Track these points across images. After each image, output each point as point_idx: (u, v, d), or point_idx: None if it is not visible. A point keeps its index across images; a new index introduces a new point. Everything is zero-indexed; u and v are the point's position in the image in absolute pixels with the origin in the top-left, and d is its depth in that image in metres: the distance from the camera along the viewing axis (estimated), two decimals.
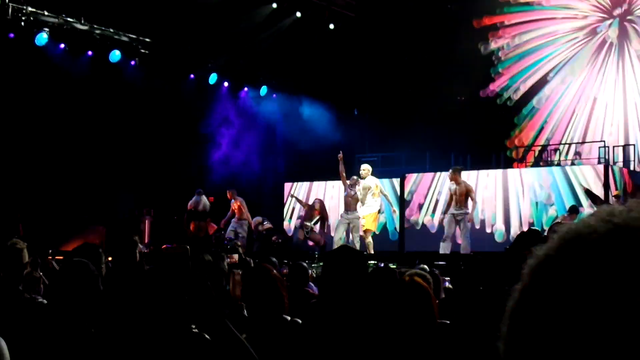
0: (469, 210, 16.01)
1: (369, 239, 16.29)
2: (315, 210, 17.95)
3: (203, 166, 21.23)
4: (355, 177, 16.46)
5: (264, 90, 23.11)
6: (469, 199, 16.09)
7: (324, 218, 18.00)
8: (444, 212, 16.72)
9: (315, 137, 21.26)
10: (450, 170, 16.59)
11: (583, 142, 21.33)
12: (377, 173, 18.88)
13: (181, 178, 20.04)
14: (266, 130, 22.80)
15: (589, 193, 16.23)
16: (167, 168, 19.86)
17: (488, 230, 18.00)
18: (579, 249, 0.83)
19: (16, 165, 17.30)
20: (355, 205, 16.20)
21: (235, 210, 18.56)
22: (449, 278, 8.80)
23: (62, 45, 18.48)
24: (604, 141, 19.94)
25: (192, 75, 21.34)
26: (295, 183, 20.78)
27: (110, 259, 6.61)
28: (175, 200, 19.64)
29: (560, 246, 0.85)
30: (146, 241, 18.37)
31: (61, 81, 17.99)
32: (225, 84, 22.08)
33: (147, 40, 19.87)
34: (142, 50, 19.82)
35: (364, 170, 16.52)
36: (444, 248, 16.01)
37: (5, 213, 16.35)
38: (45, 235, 15.69)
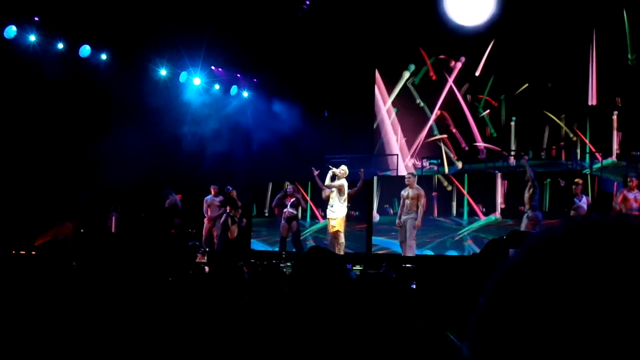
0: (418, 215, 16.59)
1: (342, 240, 16.36)
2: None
3: (172, 163, 21.12)
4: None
5: (234, 89, 23.13)
6: (419, 203, 16.46)
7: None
8: (399, 217, 16.99)
9: (285, 137, 21.28)
10: (410, 174, 17.09)
11: None
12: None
13: (149, 175, 19.95)
14: (235, 129, 22.72)
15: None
16: (134, 164, 19.77)
17: None
18: (543, 254, 0.85)
19: None
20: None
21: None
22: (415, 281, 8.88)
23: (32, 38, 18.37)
24: None
25: (162, 72, 21.27)
26: (270, 183, 20.79)
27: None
28: (142, 197, 19.57)
29: (527, 254, 0.87)
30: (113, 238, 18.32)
31: (27, 76, 17.85)
32: (197, 81, 22.00)
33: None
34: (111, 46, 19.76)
35: (341, 171, 16.54)
36: (403, 251, 16.46)
37: None
38: (14, 230, 15.60)
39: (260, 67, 22.96)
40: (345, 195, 16.45)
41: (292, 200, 17.47)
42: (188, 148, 21.18)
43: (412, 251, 16.52)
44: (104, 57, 19.79)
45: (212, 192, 18.88)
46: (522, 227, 15.73)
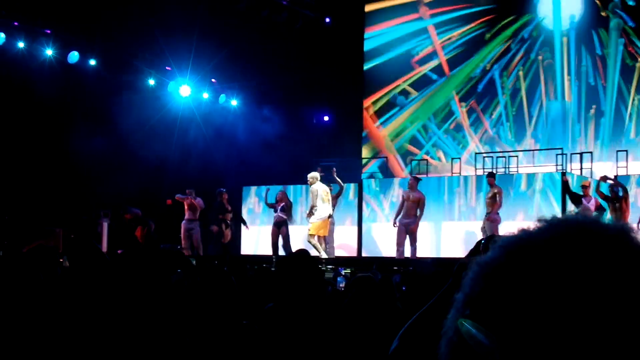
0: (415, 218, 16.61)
1: (315, 242, 16.28)
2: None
3: (162, 170, 21.12)
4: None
5: (222, 98, 23.21)
6: (419, 207, 16.50)
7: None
8: (395, 217, 16.97)
9: (274, 143, 21.33)
10: (413, 177, 17.02)
11: None
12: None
13: (138, 180, 19.95)
14: (224, 134, 22.74)
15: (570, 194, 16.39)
16: (124, 170, 19.76)
17: None
18: (520, 253, 0.86)
19: None
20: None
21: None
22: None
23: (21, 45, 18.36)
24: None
25: (151, 81, 21.32)
26: (253, 187, 20.86)
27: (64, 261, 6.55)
28: (133, 203, 19.53)
29: (503, 252, 0.88)
30: (104, 243, 18.35)
31: (15, 83, 17.84)
32: (186, 89, 22.05)
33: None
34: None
35: (309, 178, 16.60)
36: (398, 254, 16.38)
37: None
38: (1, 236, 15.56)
39: (248, 75, 22.98)
40: (322, 199, 16.43)
41: (281, 204, 17.48)
42: (177, 155, 21.20)
43: (414, 255, 16.44)
44: (92, 62, 19.77)
45: (188, 192, 18.80)
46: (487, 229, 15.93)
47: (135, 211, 18.61)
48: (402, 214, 16.70)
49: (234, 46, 21.44)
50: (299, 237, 17.43)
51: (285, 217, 17.40)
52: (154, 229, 18.81)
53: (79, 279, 5.69)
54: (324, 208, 16.28)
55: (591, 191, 16.13)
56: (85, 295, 4.23)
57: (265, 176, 20.82)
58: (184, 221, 18.58)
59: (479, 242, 2.40)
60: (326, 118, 24.86)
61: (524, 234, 0.89)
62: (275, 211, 17.63)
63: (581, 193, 15.95)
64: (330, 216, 16.67)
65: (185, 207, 18.64)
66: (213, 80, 22.98)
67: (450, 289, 2.12)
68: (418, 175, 17.96)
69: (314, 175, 16.55)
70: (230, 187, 20.13)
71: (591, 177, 18.52)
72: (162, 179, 20.90)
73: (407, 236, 16.60)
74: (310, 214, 16.30)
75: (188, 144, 21.74)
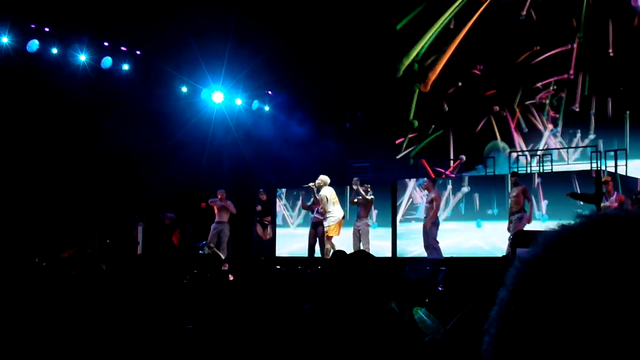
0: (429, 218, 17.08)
1: (328, 246, 16.67)
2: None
3: (195, 174, 21.25)
4: (367, 185, 17.54)
5: (255, 104, 23.32)
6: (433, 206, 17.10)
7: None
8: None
9: (308, 147, 21.36)
10: (426, 179, 17.32)
11: None
12: (368, 179, 19.12)
13: (173, 185, 20.10)
14: (257, 139, 22.81)
15: (575, 196, 16.26)
16: (158, 174, 19.93)
17: None
18: (562, 248, 0.87)
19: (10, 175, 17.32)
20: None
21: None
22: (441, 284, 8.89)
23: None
24: None
25: (184, 89, 21.53)
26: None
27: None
28: (168, 207, 19.68)
29: (544, 248, 0.89)
30: (139, 247, 18.53)
31: (51, 90, 18.02)
32: (219, 96, 22.20)
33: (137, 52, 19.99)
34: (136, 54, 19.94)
35: (318, 182, 16.84)
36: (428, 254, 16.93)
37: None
38: (38, 242, 15.72)
39: (281, 82, 23.06)
40: (332, 203, 16.57)
41: (318, 206, 17.52)
42: (211, 159, 21.34)
43: (437, 254, 16.64)
44: (125, 67, 19.92)
45: (219, 196, 18.94)
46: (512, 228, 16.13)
47: (170, 216, 18.79)
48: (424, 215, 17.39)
49: (267, 53, 21.55)
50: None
51: (321, 218, 17.44)
52: (190, 233, 19.00)
53: (117, 283, 5.76)
54: (336, 210, 16.67)
55: (613, 187, 15.96)
56: (123, 299, 4.28)
57: (300, 178, 20.86)
58: (213, 223, 18.78)
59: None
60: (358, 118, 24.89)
61: (564, 229, 0.89)
62: (312, 213, 17.68)
63: (603, 190, 15.84)
64: (343, 217, 16.91)
65: (216, 210, 18.84)
66: (269, 92, 23.26)
67: (492, 287, 2.13)
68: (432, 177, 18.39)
69: (324, 179, 16.67)
70: (266, 190, 20.23)
71: (626, 174, 18.39)
72: (195, 183, 21.02)
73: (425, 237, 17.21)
74: (325, 219, 16.71)
75: (221, 149, 21.84)
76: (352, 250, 17.04)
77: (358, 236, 17.27)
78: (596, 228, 0.87)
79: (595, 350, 0.79)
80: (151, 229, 19.06)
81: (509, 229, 16.29)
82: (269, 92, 23.31)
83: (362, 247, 16.79)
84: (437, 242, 17.12)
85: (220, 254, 17.45)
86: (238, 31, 20.59)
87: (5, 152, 17.32)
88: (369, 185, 17.55)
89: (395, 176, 20.53)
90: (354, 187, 17.55)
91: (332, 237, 16.63)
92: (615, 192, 15.79)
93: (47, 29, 18.31)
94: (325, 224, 16.68)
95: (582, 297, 0.82)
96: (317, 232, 17.43)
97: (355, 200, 17.41)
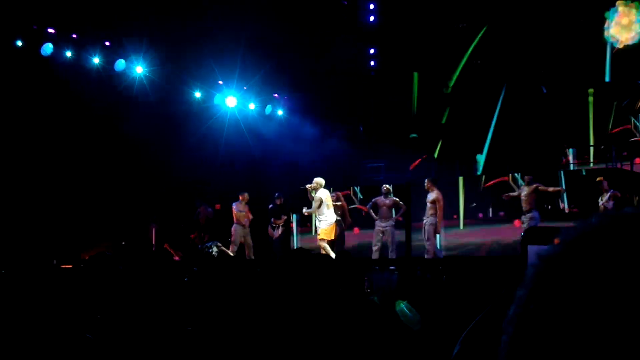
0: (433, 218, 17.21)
1: (322, 250, 16.57)
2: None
3: (210, 176, 21.29)
4: (387, 186, 17.92)
5: (268, 108, 23.40)
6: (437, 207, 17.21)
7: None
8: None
9: (322, 149, 21.34)
10: (427, 179, 17.59)
11: None
12: (383, 179, 19.14)
13: (185, 186, 20.21)
14: (271, 142, 22.81)
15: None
16: (171, 176, 20.01)
17: None
18: (583, 245, 0.87)
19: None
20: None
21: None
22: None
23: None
24: None
25: (197, 94, 21.67)
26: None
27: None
28: (180, 208, 19.79)
29: (564, 245, 0.89)
30: (153, 249, 18.63)
31: (66, 94, 18.09)
32: (233, 100, 22.30)
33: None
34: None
35: (313, 183, 16.73)
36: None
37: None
38: (52, 245, 15.84)
39: (293, 87, 23.09)
40: (327, 206, 16.58)
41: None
42: (224, 162, 21.39)
43: (430, 254, 17.07)
44: (139, 69, 19.98)
45: (241, 199, 18.83)
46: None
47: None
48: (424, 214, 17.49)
49: (280, 58, 21.59)
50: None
51: (337, 218, 17.49)
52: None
53: (132, 283, 5.82)
54: (329, 214, 16.56)
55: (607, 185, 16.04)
56: (138, 298, 4.35)
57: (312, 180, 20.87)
58: (236, 225, 18.73)
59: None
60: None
61: (585, 226, 0.89)
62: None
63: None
64: (336, 221, 16.99)
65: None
66: (275, 95, 23.27)
67: (510, 289, 2.16)
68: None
69: (319, 181, 16.68)
70: (283, 190, 20.24)
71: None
72: (209, 185, 21.08)
73: (426, 236, 17.34)
74: (317, 221, 16.75)
75: (235, 152, 21.85)
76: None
77: (380, 237, 17.62)
78: (618, 225, 0.87)
79: (617, 349, 0.79)
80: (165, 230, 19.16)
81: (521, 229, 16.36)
82: (276, 95, 23.30)
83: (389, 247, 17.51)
84: (431, 243, 17.24)
85: (230, 253, 17.45)
86: (250, 38, 20.61)
87: (23, 156, 17.39)
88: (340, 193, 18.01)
89: (410, 176, 20.54)
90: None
91: (325, 239, 16.54)
92: (611, 190, 15.82)
93: (61, 32, 18.41)
94: (318, 226, 16.71)
95: (604, 295, 0.81)
96: (335, 231, 17.54)
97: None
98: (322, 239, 16.50)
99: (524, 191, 16.79)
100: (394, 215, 18.02)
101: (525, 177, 17.09)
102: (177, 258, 18.73)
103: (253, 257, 17.83)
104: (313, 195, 16.47)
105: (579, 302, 0.82)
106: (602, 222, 0.88)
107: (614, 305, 0.80)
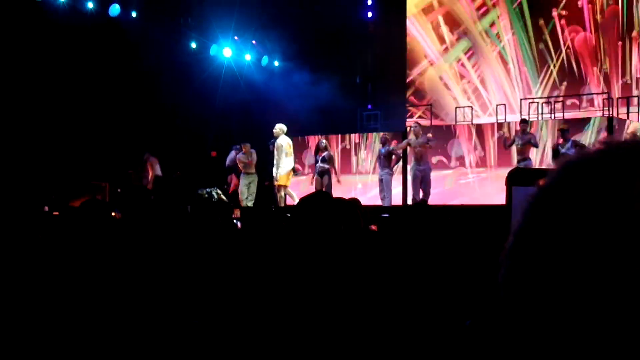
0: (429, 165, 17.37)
1: (282, 194, 17.40)
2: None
3: (205, 125, 21.28)
4: (384, 135, 18.10)
5: (265, 60, 23.37)
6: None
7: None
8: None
9: (317, 97, 21.25)
10: (416, 124, 17.72)
11: None
12: (379, 127, 19.08)
13: (180, 134, 20.21)
14: (266, 90, 22.71)
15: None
16: (165, 123, 19.99)
17: None
18: (583, 170, 0.84)
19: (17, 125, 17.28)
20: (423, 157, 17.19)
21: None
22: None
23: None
24: None
25: (193, 44, 21.63)
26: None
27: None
28: (179, 156, 19.77)
29: (563, 171, 0.86)
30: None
31: (59, 39, 17.89)
32: (227, 53, 22.19)
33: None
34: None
35: (275, 129, 17.37)
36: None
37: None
38: (44, 192, 15.82)
39: (290, 35, 22.94)
40: (286, 153, 17.15)
41: (323, 154, 17.65)
42: (220, 112, 21.35)
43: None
44: (134, 14, 19.79)
45: (244, 149, 18.70)
46: None
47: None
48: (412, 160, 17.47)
49: (276, 8, 21.49)
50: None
51: (326, 166, 17.60)
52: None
53: (132, 230, 5.78)
54: (287, 162, 17.21)
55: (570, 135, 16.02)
56: (138, 246, 4.30)
57: (309, 129, 20.85)
58: (242, 174, 18.66)
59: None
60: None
61: (586, 153, 0.85)
62: (317, 162, 17.81)
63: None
64: (294, 169, 17.73)
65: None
66: (254, 42, 23.08)
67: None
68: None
69: (281, 127, 17.26)
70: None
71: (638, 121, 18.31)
72: (206, 133, 21.10)
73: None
74: (277, 167, 17.26)
75: (230, 100, 21.79)
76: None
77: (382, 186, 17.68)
78: (621, 151, 0.83)
79: (615, 279, 0.76)
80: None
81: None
82: (253, 42, 23.16)
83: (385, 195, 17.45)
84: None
85: (227, 200, 17.52)
86: None
87: (13, 100, 17.26)
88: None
89: (406, 123, 20.48)
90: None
91: (283, 185, 17.17)
92: (571, 140, 15.77)
93: None
94: (275, 172, 17.28)
95: (604, 223, 0.78)
96: (323, 180, 17.62)
97: None
98: (280, 185, 17.19)
99: (519, 140, 16.74)
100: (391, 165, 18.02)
101: (520, 124, 17.03)
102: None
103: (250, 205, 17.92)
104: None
105: (578, 230, 0.79)
106: (605, 149, 0.85)
107: (616, 234, 0.77)
